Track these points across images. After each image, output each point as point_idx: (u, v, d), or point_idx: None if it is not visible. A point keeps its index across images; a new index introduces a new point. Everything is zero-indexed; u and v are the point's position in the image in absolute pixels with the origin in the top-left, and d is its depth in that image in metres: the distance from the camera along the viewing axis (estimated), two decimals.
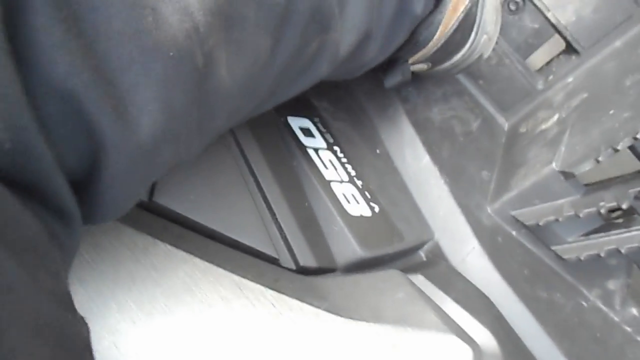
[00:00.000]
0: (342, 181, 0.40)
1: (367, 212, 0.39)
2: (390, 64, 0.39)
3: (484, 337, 0.36)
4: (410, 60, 0.39)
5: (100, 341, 0.27)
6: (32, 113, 0.17)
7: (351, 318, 0.33)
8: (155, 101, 0.20)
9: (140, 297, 0.29)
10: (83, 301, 0.28)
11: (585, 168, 0.38)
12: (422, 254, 0.41)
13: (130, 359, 0.28)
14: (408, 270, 0.39)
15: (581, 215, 0.38)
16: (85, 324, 0.20)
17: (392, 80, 0.38)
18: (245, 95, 0.26)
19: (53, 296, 0.17)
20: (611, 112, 0.39)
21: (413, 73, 0.42)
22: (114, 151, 0.19)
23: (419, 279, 0.38)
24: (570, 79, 0.45)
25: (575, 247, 0.41)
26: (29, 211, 0.18)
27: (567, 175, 0.39)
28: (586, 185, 0.40)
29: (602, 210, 0.37)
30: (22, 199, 0.18)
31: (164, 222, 0.33)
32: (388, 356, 0.32)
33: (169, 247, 0.31)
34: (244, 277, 0.32)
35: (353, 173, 0.41)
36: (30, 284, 0.16)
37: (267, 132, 0.39)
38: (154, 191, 0.33)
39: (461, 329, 0.35)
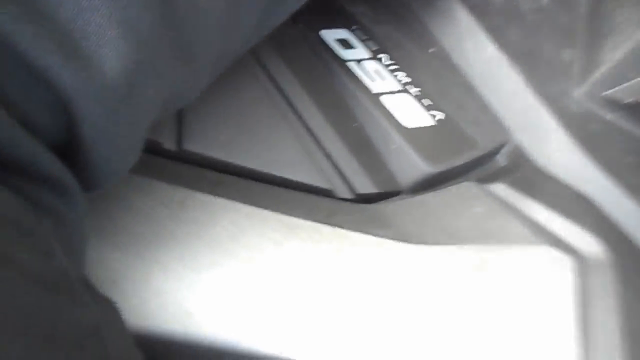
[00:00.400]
0: (393, 92, 0.34)
1: (429, 122, 0.34)
2: None
3: (588, 243, 0.30)
4: None
5: (148, 304, 0.25)
6: None
7: (423, 243, 0.29)
8: (112, 26, 0.16)
9: (183, 254, 0.27)
10: (123, 268, 0.26)
11: None
12: (500, 159, 0.35)
13: (181, 319, 0.25)
14: (485, 180, 0.34)
15: None
16: (104, 305, 0.18)
17: None
18: (232, 3, 0.21)
19: (37, 280, 0.14)
20: None
21: None
22: (80, 98, 0.16)
23: (499, 188, 0.33)
24: None
25: None
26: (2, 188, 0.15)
27: None
28: None
29: None
30: None
31: (197, 171, 0.30)
32: (471, 280, 0.28)
33: (207, 196, 0.28)
34: (293, 215, 0.29)
35: (405, 80, 0.35)
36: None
37: (297, 52, 0.34)
38: (182, 139, 0.30)
39: (557, 237, 0.30)
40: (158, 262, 0.26)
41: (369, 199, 0.32)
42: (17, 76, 0.15)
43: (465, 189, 0.32)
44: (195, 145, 0.30)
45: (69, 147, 0.18)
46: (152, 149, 0.30)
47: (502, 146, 0.35)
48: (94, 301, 0.16)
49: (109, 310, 0.18)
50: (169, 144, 0.30)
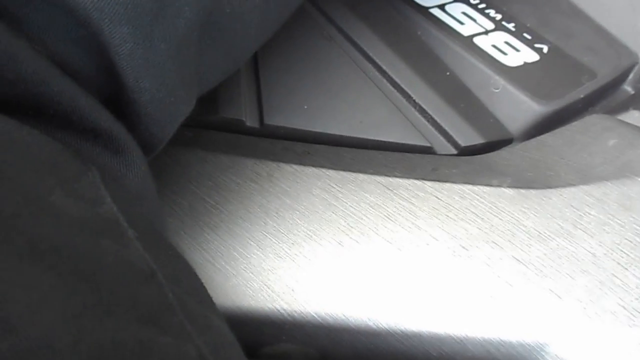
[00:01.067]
0: (487, 31, 0.31)
1: (534, 57, 0.30)
2: None
3: None
4: None
5: (249, 283, 0.24)
6: (18, 35, 0.13)
7: (549, 187, 0.25)
8: None
9: (278, 228, 0.25)
10: (221, 249, 0.25)
11: None
12: (627, 87, 0.30)
13: (286, 295, 0.23)
14: (615, 111, 0.29)
15: None
16: (172, 259, 0.16)
17: None
18: None
19: (77, 223, 0.12)
20: None
21: None
22: (106, 18, 0.15)
23: (634, 116, 0.28)
24: None
25: None
26: (44, 135, 0.14)
27: None
28: None
29: None
30: (37, 124, 0.14)
31: (283, 144, 0.28)
32: (619, 221, 0.23)
33: (294, 166, 0.26)
34: (390, 176, 0.26)
35: (499, 17, 0.31)
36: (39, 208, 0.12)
37: (372, 6, 0.31)
38: (262, 114, 0.28)
39: None
40: (254, 240, 0.25)
41: (475, 152, 0.28)
42: (36, 5, 0.14)
43: (592, 122, 0.27)
44: (278, 119, 0.28)
45: (116, 98, 0.17)
46: (235, 128, 0.28)
47: (628, 71, 0.30)
48: (153, 249, 0.14)
49: (174, 261, 0.16)
50: (251, 121, 0.28)
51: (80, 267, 0.12)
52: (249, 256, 0.24)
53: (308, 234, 0.24)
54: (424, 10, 0.31)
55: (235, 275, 0.24)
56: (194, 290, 0.16)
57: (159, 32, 0.16)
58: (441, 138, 0.28)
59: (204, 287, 0.17)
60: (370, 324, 0.23)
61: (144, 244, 0.14)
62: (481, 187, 0.25)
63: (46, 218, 0.12)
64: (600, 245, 0.23)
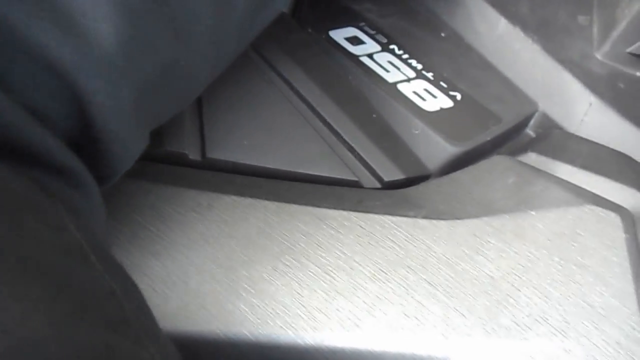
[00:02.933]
0: (409, 79, 0.34)
1: (448, 103, 0.34)
2: None
3: (632, 198, 0.28)
4: None
5: (188, 307, 0.26)
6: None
7: (457, 219, 0.28)
8: (106, 2, 0.17)
9: (216, 254, 0.27)
10: (161, 274, 0.26)
11: None
12: (529, 132, 0.35)
13: (221, 317, 0.25)
14: (516, 153, 0.33)
15: None
16: (123, 277, 0.18)
17: None
18: None
19: (49, 244, 0.15)
20: None
21: None
22: (82, 73, 0.17)
23: (531, 158, 0.32)
24: None
25: None
26: (17, 175, 0.16)
27: None
28: None
29: None
30: (10, 161, 0.16)
31: (224, 176, 0.30)
32: (514, 249, 0.27)
33: (233, 197, 0.29)
34: (321, 207, 0.28)
35: (419, 67, 0.35)
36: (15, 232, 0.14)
37: (309, 54, 0.35)
38: (205, 148, 0.31)
39: (599, 196, 0.29)
40: (193, 265, 0.27)
41: (397, 186, 0.31)
42: (17, 61, 0.16)
43: (495, 162, 0.31)
44: (219, 153, 0.30)
45: (81, 138, 0.19)
46: (178, 161, 0.30)
47: (529, 118, 0.34)
48: (110, 271, 0.16)
49: (126, 281, 0.18)
50: (193, 155, 0.31)
51: (57, 281, 0.14)
52: (187, 281, 0.26)
53: (245, 260, 0.27)
54: (355, 58, 0.35)
55: (174, 299, 0.26)
56: (142, 307, 0.18)
57: (126, 85, 0.19)
58: (367, 173, 0.31)
59: (148, 305, 0.19)
60: (300, 341, 0.25)
61: (103, 265, 0.16)
62: (400, 218, 0.28)
63: (27, 240, 0.14)
64: (498, 269, 0.26)
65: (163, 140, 0.31)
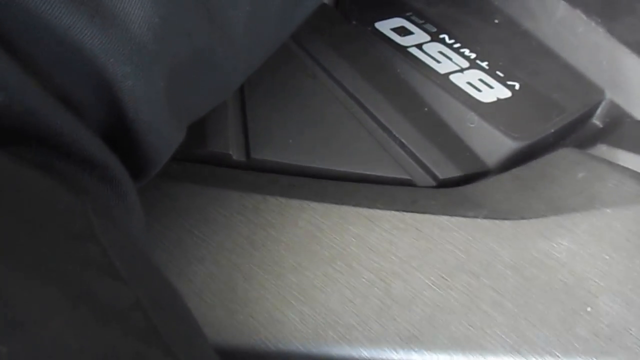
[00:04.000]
0: (462, 69, 0.32)
1: (506, 94, 0.31)
2: None
3: None
4: None
5: (234, 315, 0.24)
6: (5, 55, 0.14)
7: (522, 218, 0.26)
8: None
9: (264, 259, 0.25)
10: (207, 280, 0.25)
11: None
12: (596, 122, 0.32)
13: (270, 327, 0.24)
14: (583, 145, 0.30)
15: None
16: (154, 290, 0.17)
17: None
18: None
19: (68, 256, 0.14)
20: None
21: None
22: (110, 58, 0.16)
23: (602, 150, 0.29)
24: None
25: None
26: (41, 171, 0.15)
27: None
28: None
29: None
30: (39, 153, 0.15)
31: (269, 177, 0.29)
32: (589, 251, 0.24)
33: (280, 199, 0.27)
34: (373, 208, 0.27)
35: (473, 56, 0.33)
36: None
37: (355, 48, 0.33)
38: (249, 148, 0.29)
39: None
40: (239, 271, 0.25)
41: (453, 184, 0.29)
42: (42, 42, 0.15)
43: (562, 156, 0.29)
44: (264, 153, 0.29)
45: (114, 130, 0.18)
46: (223, 162, 0.29)
47: (595, 107, 0.32)
48: (137, 279, 0.15)
49: (158, 288, 0.17)
50: (238, 155, 0.29)
51: (75, 289, 0.13)
52: (234, 287, 0.25)
53: (293, 266, 0.25)
54: (403, 50, 0.33)
55: (220, 307, 0.25)
56: (179, 315, 0.17)
57: (157, 70, 0.18)
58: (420, 171, 0.29)
59: (190, 311, 0.18)
60: (355, 354, 0.23)
61: (128, 273, 0.15)
62: (459, 218, 0.26)
63: (45, 248, 0.13)
64: (572, 274, 0.24)
65: (206, 141, 0.29)
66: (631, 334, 0.22)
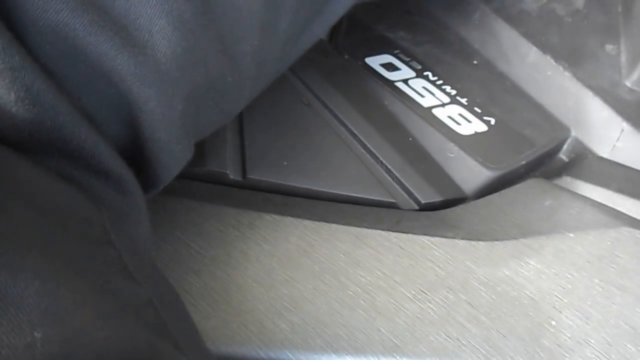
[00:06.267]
0: (443, 104, 0.35)
1: (483, 128, 0.34)
2: None
3: None
4: None
5: (228, 325, 0.26)
6: (43, 75, 0.16)
7: (495, 240, 0.28)
8: (161, 16, 0.18)
9: (257, 272, 0.27)
10: (202, 291, 0.27)
11: None
12: (562, 156, 0.35)
13: (262, 336, 0.26)
14: (551, 176, 0.33)
15: None
16: (160, 283, 0.19)
17: None
18: (269, 5, 0.23)
19: (91, 257, 0.15)
20: None
21: None
22: (137, 82, 0.18)
23: (566, 181, 0.32)
24: None
25: None
26: (65, 181, 0.17)
27: None
28: None
29: None
30: (61, 163, 0.17)
31: (264, 196, 0.31)
32: (554, 270, 0.27)
33: (274, 216, 0.29)
34: (360, 226, 0.29)
35: (453, 93, 0.36)
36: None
37: (347, 79, 0.36)
38: (245, 169, 0.31)
39: (636, 219, 0.29)
40: (234, 283, 0.27)
41: (433, 208, 0.32)
42: (78, 67, 0.17)
43: (531, 185, 0.31)
44: (259, 173, 0.31)
45: (130, 146, 0.20)
46: (220, 180, 0.31)
47: (561, 143, 0.35)
48: (148, 281, 0.17)
49: (166, 291, 0.19)
50: (234, 175, 0.31)
51: (97, 285, 0.15)
52: (228, 299, 0.27)
53: (285, 279, 0.27)
54: (391, 84, 0.36)
55: (215, 317, 0.26)
56: (182, 316, 0.19)
57: (177, 95, 0.20)
58: (404, 195, 0.32)
59: (189, 314, 0.20)
60: None
61: (140, 276, 0.17)
62: (438, 239, 0.29)
63: (73, 246, 0.15)
64: (539, 291, 0.26)
65: (205, 160, 0.31)
66: (590, 344, 0.25)
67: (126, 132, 0.20)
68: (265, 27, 0.23)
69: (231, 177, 0.31)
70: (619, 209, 0.30)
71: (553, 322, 0.25)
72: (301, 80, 0.34)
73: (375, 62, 0.37)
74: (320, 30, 0.30)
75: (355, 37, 0.38)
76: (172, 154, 0.21)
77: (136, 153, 0.21)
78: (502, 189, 0.32)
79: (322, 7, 0.27)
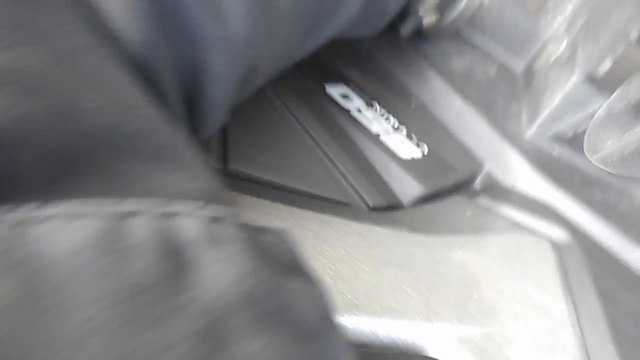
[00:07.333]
0: (388, 132, 0.43)
1: (418, 154, 0.42)
2: (403, 16, 0.43)
3: (557, 233, 0.38)
4: (420, 12, 0.43)
5: None
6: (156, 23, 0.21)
7: (430, 235, 0.35)
8: (240, 5, 0.24)
9: None
10: None
11: (605, 68, 0.41)
12: (476, 186, 0.44)
13: None
14: (470, 196, 0.41)
15: (614, 111, 0.41)
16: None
17: (407, 28, 0.43)
18: (295, 18, 0.29)
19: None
20: (614, 18, 0.43)
21: (425, 31, 0.46)
22: (214, 47, 0.22)
23: (481, 200, 0.40)
24: (569, 7, 0.49)
25: (615, 148, 0.43)
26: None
27: (590, 80, 0.42)
28: (610, 86, 0.43)
29: (633, 101, 0.40)
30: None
31: (243, 183, 0.36)
32: (475, 258, 0.34)
33: (254, 198, 0.34)
34: (326, 214, 0.35)
35: (396, 125, 0.44)
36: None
37: (312, 98, 0.42)
38: (227, 159, 0.36)
39: (532, 229, 0.37)
40: None
41: (379, 211, 0.38)
42: (168, 31, 0.20)
43: (456, 199, 0.39)
44: (239, 164, 0.36)
45: (192, 94, 0.24)
46: None
47: (477, 174, 0.44)
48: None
49: None
50: (216, 163, 0.36)
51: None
52: None
53: None
54: (346, 112, 0.43)
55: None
56: None
57: (239, 66, 0.25)
58: (357, 198, 0.38)
59: None
60: None
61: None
62: (387, 229, 0.35)
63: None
64: (464, 273, 0.33)
65: None
66: (503, 313, 0.32)
67: (190, 89, 0.23)
68: (289, 33, 0.29)
69: (213, 164, 0.36)
70: (521, 222, 0.38)
71: (475, 295, 0.32)
72: (277, 95, 0.40)
73: (334, 90, 0.44)
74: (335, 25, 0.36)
75: (317, 69, 0.46)
76: (220, 115, 0.26)
77: (193, 103, 0.24)
78: (430, 202, 0.40)
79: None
